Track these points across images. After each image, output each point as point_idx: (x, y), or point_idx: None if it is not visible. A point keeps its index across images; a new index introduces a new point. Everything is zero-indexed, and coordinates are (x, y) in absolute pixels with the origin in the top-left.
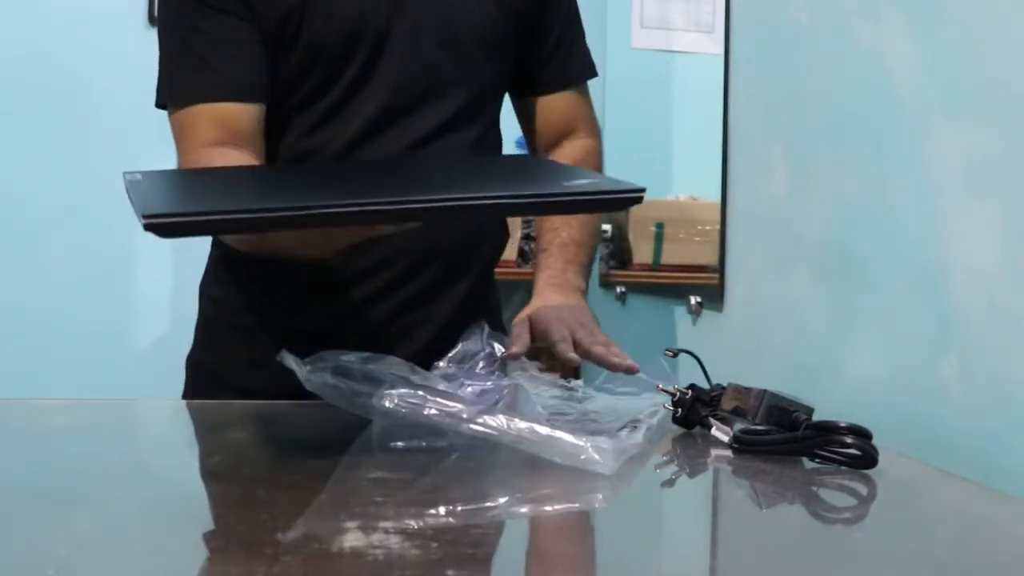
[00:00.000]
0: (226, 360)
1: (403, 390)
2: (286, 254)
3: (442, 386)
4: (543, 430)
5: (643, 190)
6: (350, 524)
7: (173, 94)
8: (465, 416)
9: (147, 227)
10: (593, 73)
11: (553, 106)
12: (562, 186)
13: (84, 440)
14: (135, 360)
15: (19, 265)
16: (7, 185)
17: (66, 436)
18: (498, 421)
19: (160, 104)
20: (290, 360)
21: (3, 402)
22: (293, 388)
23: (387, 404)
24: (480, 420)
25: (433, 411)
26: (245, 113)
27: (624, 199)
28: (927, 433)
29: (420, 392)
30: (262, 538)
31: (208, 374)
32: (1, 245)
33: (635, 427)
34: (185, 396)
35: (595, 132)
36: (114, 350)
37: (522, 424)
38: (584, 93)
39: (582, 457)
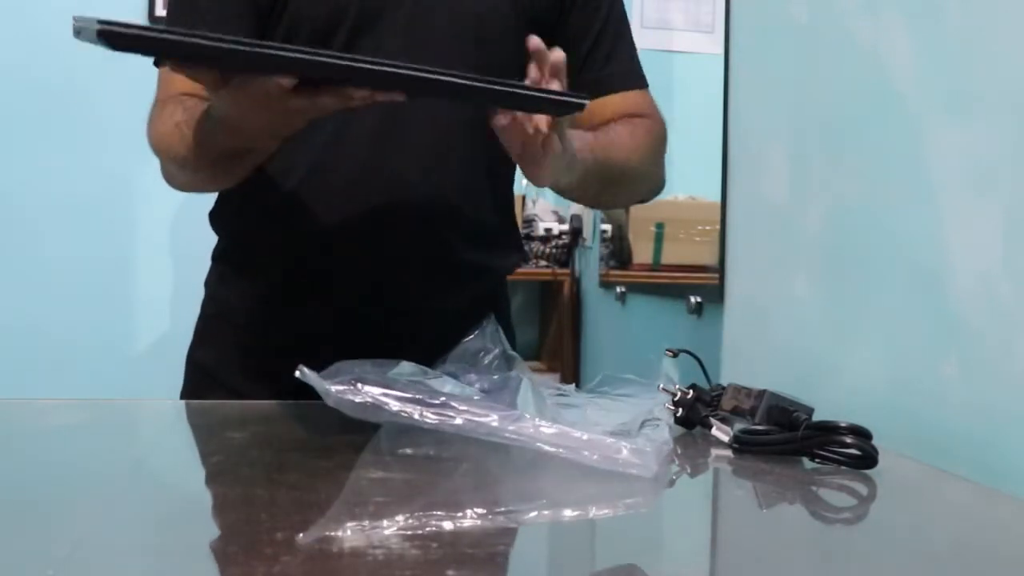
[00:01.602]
0: (221, 359)
1: (430, 401)
2: (235, 135)
3: (448, 387)
4: (578, 434)
5: (586, 100)
6: (350, 524)
7: None
8: (496, 425)
9: (100, 33)
10: (638, 83)
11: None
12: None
13: (84, 440)
14: (135, 360)
15: (19, 265)
16: (6, 185)
17: (66, 436)
18: (531, 428)
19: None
20: (309, 376)
21: (3, 402)
22: (286, 390)
23: (415, 416)
24: (511, 428)
25: (461, 421)
26: None
27: (567, 103)
28: (927, 433)
29: (452, 403)
30: (262, 538)
31: (203, 373)
32: (1, 245)
33: (656, 425)
34: (183, 394)
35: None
36: (114, 350)
37: (555, 429)
38: (631, 96)
39: (620, 459)
